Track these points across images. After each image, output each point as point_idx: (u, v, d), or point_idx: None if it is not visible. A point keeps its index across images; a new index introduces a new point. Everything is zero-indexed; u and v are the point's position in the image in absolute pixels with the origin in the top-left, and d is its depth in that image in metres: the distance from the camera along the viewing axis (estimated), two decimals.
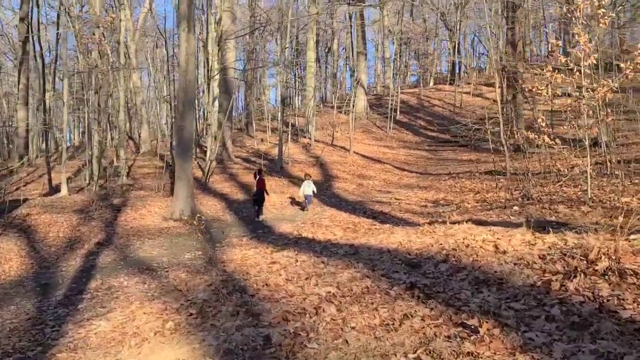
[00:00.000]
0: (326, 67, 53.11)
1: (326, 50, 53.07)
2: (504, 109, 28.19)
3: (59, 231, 12.11)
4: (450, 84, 48.35)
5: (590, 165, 9.78)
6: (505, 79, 27.39)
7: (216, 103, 23.29)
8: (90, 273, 9.51)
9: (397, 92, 38.37)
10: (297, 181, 19.38)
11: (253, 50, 35.92)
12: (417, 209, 13.54)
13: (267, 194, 14.65)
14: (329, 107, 43.42)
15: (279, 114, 28.88)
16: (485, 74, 49.36)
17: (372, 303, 4.54)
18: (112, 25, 21.97)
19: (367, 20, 44.78)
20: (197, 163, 24.81)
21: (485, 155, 25.86)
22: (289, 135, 28.10)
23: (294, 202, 16.28)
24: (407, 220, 11.64)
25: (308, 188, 14.97)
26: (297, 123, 36.77)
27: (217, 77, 22.30)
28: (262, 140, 34.08)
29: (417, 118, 38.81)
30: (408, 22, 48.64)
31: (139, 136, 34.15)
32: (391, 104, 36.33)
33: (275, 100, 43.79)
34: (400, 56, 42.12)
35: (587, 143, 9.58)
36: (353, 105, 35.40)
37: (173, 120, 21.38)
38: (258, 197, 14.07)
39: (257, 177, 14.69)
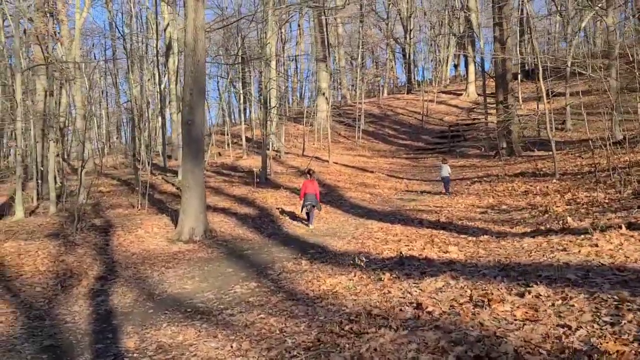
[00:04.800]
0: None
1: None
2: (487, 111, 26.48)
3: (36, 263, 8.78)
4: (408, 92, 47.11)
5: None
6: (494, 80, 25.91)
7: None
8: (111, 323, 6.43)
9: (362, 101, 36.29)
10: (298, 191, 16.70)
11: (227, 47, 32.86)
12: (477, 216, 11.24)
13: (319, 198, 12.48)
14: (284, 117, 40.80)
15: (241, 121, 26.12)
16: (443, 82, 48.46)
17: None
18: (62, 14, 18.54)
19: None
20: (163, 178, 21.69)
21: (477, 160, 24.11)
22: (268, 149, 25.21)
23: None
24: (492, 230, 9.26)
25: (445, 170, 15.71)
26: (253, 136, 34.09)
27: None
28: (219, 154, 30.94)
29: (383, 127, 36.92)
30: (359, 31, 47.00)
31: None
32: (358, 113, 34.28)
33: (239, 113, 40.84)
34: (363, 64, 40.26)
35: None
36: (323, 114, 33.17)
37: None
38: (312, 203, 11.99)
39: (309, 178, 12.18)
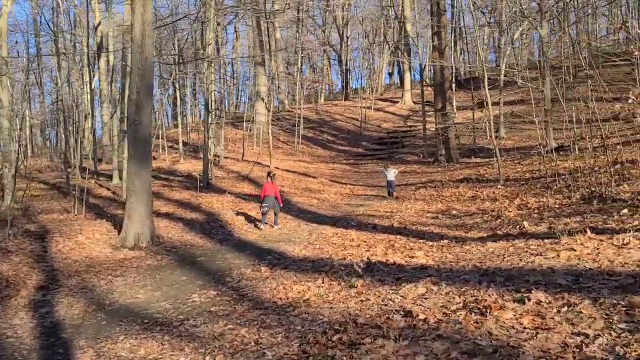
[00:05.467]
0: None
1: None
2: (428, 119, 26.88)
3: None
4: (345, 99, 47.41)
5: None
6: (432, 87, 26.40)
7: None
8: (60, 337, 5.86)
9: (301, 107, 36.16)
10: (243, 196, 16.33)
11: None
12: (429, 221, 11.24)
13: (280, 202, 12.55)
14: (222, 120, 39.96)
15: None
16: (379, 90, 49.13)
17: None
18: None
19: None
20: (96, 182, 20.61)
21: (417, 166, 24.45)
22: (209, 154, 24.48)
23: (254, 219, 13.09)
24: (448, 235, 9.27)
25: (391, 174, 16.12)
26: (189, 139, 33.26)
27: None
28: (154, 158, 29.73)
29: (322, 132, 36.93)
30: (297, 37, 46.90)
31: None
32: (297, 119, 34.12)
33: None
34: (300, 70, 40.16)
35: None
36: (263, 118, 32.74)
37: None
38: (270, 205, 11.96)
39: (268, 181, 12.31)
